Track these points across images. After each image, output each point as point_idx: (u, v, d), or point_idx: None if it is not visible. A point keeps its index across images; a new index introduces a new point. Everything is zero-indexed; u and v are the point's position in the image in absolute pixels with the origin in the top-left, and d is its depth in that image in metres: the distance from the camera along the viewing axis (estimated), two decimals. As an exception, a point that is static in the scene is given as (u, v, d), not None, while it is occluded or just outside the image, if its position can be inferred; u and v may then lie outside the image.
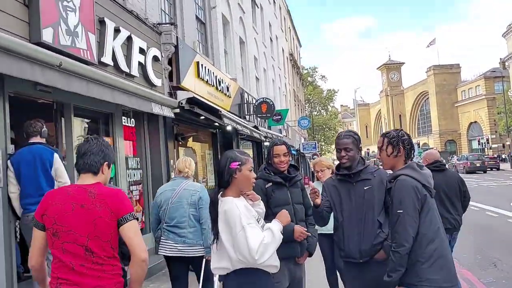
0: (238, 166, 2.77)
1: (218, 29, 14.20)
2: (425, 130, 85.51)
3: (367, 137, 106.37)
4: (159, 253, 4.58)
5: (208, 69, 11.07)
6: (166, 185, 4.91)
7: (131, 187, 8.05)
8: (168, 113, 8.31)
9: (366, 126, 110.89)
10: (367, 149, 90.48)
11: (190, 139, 12.38)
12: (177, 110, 8.86)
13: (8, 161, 4.86)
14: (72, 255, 2.38)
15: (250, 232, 2.55)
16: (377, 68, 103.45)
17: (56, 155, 4.97)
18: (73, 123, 6.39)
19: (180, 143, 11.28)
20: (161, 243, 4.53)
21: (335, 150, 3.74)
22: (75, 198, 2.44)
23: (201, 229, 4.47)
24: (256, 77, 20.88)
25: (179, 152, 10.79)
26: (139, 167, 8.42)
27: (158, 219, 4.60)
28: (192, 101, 9.22)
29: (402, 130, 3.09)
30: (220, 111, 9.77)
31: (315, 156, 39.88)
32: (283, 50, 32.31)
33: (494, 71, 64.85)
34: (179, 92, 9.00)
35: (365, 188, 3.48)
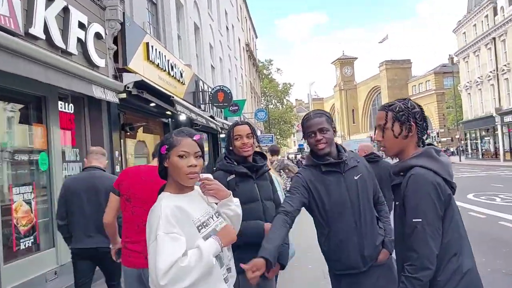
0: (166, 152, 2.03)
1: (171, 12, 13.19)
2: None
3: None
4: None
5: (160, 52, 10.09)
6: None
7: (69, 182, 7.03)
8: (112, 97, 7.32)
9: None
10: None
11: (140, 130, 11.38)
12: (124, 95, 7.89)
13: None
14: (139, 217, 3.17)
15: (164, 245, 1.79)
16: (331, 63, 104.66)
17: None
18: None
19: (128, 133, 10.27)
20: None
21: (303, 137, 2.95)
22: (146, 174, 3.27)
23: None
24: (212, 65, 19.96)
25: (127, 144, 9.81)
26: (78, 159, 7.40)
27: None
28: (141, 85, 8.27)
29: (410, 99, 2.21)
30: (173, 97, 8.85)
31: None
32: (239, 40, 31.45)
33: (445, 66, 66.85)
34: (125, 75, 8.01)
35: (355, 177, 2.77)
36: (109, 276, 4.28)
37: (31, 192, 6.02)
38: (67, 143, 7.12)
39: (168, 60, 10.75)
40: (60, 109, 6.87)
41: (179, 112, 9.61)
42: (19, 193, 5.80)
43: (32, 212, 6.01)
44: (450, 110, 57.97)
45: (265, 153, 3.69)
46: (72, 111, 7.31)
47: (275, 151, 8.49)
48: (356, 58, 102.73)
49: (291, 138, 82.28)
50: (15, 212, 5.67)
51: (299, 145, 53.90)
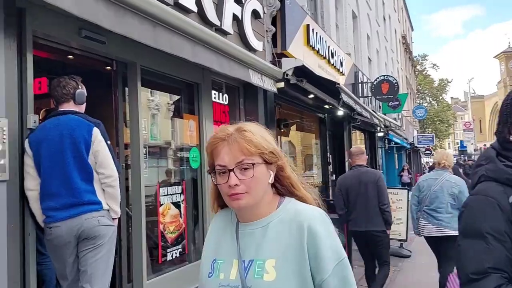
0: None
1: (329, -2, 11.92)
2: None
3: (481, 132, 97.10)
4: (420, 233, 5.33)
5: (320, 37, 8.83)
6: (429, 174, 5.69)
7: (221, 182, 6.13)
8: (269, 86, 6.25)
9: (480, 120, 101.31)
10: (484, 144, 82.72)
11: (293, 127, 10.29)
12: (282, 84, 6.78)
13: (26, 140, 3.09)
14: None
15: None
16: (494, 57, 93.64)
17: (96, 131, 3.11)
18: (140, 95, 4.54)
19: (282, 130, 9.23)
20: (420, 224, 5.27)
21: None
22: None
23: None
24: (369, 58, 18.19)
25: (281, 143, 8.76)
26: (232, 157, 6.48)
27: (418, 201, 5.32)
28: (300, 73, 7.07)
29: None
30: (338, 84, 7.48)
31: (427, 152, 35.91)
32: (395, 31, 28.93)
33: None
34: (284, 60, 6.88)
35: None
36: (377, 256, 5.18)
37: (180, 193, 5.19)
38: (220, 139, 6.23)
39: (329, 47, 9.44)
40: (213, 100, 6.01)
41: (341, 104, 8.23)
42: (167, 194, 4.98)
43: (181, 217, 5.18)
44: None
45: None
46: (226, 102, 6.42)
47: None
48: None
49: (447, 139, 75.93)
50: (162, 217, 4.86)
51: (461, 146, 48.46)
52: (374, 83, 12.89)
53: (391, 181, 19.99)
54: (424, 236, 5.30)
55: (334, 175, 10.83)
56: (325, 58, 9.14)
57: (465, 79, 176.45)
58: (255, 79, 5.74)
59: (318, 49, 8.63)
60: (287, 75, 6.73)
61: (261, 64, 5.90)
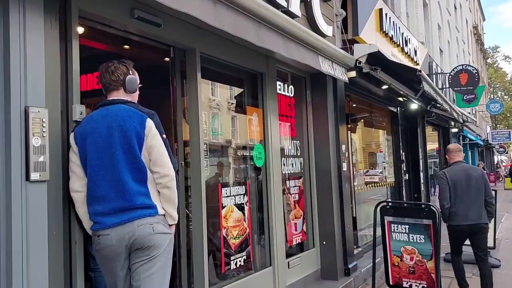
0: None
1: (398, -17, 11.05)
2: None
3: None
4: None
5: (394, 22, 8.05)
6: None
7: (287, 181, 5.58)
8: (341, 75, 5.61)
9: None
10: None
11: (361, 122, 9.53)
12: (353, 74, 6.12)
13: (71, 134, 2.68)
14: None
15: None
16: None
17: (150, 123, 2.63)
18: (200, 85, 4.07)
19: (350, 126, 8.52)
20: None
21: None
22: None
23: None
24: (440, 49, 16.95)
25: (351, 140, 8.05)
26: (299, 154, 5.91)
27: None
28: (374, 61, 6.37)
29: None
30: (419, 72, 6.68)
31: (501, 149, 33.50)
32: (466, 21, 27.09)
33: None
34: (356, 46, 6.20)
35: None
36: (481, 249, 5.10)
37: (244, 194, 4.69)
38: (286, 134, 5.68)
39: (403, 34, 8.63)
40: (279, 91, 5.46)
41: (419, 95, 7.42)
42: (230, 195, 4.50)
43: (245, 221, 4.68)
44: None
45: None
46: (292, 94, 5.86)
47: None
48: None
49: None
50: (224, 220, 4.37)
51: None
52: (452, 73, 11.80)
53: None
54: None
55: (407, 175, 9.96)
56: (398, 45, 8.34)
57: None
58: (325, 66, 5.12)
59: (392, 35, 7.86)
60: (359, 62, 6.06)
61: (332, 50, 5.28)
